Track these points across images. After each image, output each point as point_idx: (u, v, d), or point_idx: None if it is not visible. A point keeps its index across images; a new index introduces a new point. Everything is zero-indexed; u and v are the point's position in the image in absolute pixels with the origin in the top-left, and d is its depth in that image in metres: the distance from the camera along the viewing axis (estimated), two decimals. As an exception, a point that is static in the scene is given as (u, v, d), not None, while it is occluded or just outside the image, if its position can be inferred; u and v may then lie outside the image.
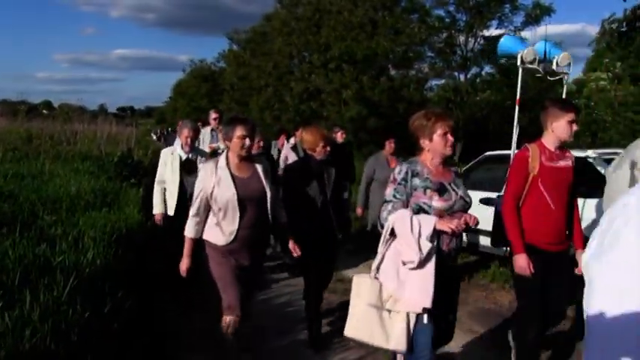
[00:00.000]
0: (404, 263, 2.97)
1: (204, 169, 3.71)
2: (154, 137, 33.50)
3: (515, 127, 6.65)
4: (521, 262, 3.60)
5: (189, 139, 5.48)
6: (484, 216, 7.12)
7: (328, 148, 4.59)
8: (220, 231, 3.62)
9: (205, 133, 7.93)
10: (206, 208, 3.66)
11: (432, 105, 21.73)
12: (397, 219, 3.01)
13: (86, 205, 6.43)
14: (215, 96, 37.91)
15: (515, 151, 5.32)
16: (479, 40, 18.93)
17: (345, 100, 19.33)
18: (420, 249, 2.89)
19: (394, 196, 3.11)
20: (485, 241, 7.19)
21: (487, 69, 19.72)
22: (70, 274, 3.55)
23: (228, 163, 3.66)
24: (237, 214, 3.58)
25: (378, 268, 3.08)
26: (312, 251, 4.32)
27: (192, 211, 3.69)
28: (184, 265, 3.72)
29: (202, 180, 3.66)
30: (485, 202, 7.28)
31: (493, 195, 7.20)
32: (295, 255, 4.02)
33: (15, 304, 3.05)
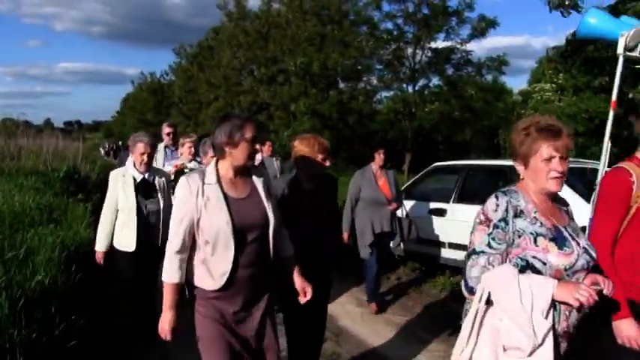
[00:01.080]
0: (505, 348, 2.03)
1: (185, 186, 2.73)
2: (102, 152, 32.84)
3: (606, 141, 4.69)
4: (631, 331, 2.50)
5: (145, 157, 4.63)
6: (437, 225, 7.30)
7: (328, 163, 3.75)
8: (207, 272, 2.74)
9: (158, 150, 6.85)
10: (191, 240, 2.75)
11: (381, 117, 22.04)
12: (497, 281, 2.06)
13: (32, 222, 6.25)
14: (163, 109, 37.54)
15: (605, 171, 4.12)
16: (426, 52, 19.31)
17: (294, 113, 19.39)
18: (534, 331, 1.97)
19: (489, 245, 2.15)
20: (446, 253, 7.32)
21: (435, 81, 20.12)
22: (15, 293, 3.45)
23: (219, 179, 2.78)
24: (232, 249, 2.70)
25: (469, 358, 2.08)
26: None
27: (172, 246, 2.72)
28: (167, 322, 2.75)
29: (184, 202, 2.72)
30: (435, 212, 7.44)
31: (443, 205, 7.37)
32: (304, 300, 3.07)
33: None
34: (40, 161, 13.34)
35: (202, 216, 2.69)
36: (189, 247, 2.75)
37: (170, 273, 2.73)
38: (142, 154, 4.63)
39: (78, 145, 17.78)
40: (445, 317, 5.97)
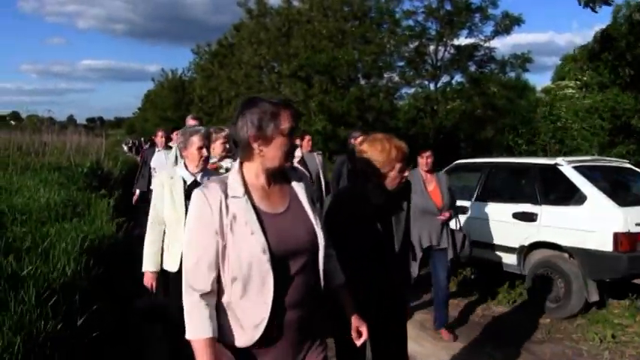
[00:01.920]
0: None
1: (202, 202, 2.00)
2: (126, 148, 33.15)
3: None
4: None
5: (203, 152, 3.80)
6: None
7: (407, 174, 2.99)
8: (236, 321, 2.01)
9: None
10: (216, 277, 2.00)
11: (403, 114, 21.92)
12: None
13: (56, 216, 6.32)
14: (184, 106, 37.76)
15: None
16: (449, 49, 19.15)
17: (313, 111, 19.37)
18: None
19: None
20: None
21: (457, 78, 19.94)
22: (41, 286, 3.48)
23: (247, 189, 2.05)
24: (271, 286, 1.95)
25: None
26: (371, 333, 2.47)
27: (195, 289, 1.97)
28: None
29: (203, 224, 1.99)
30: (457, 210, 7.37)
31: (465, 203, 7.31)
32: (360, 342, 2.38)
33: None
34: (63, 157, 13.52)
35: (228, 243, 1.96)
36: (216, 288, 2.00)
37: (198, 326, 1.94)
38: (200, 148, 3.77)
39: (101, 141, 18.00)
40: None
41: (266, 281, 1.93)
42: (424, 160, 5.78)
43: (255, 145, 2.01)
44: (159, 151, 8.24)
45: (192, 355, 1.94)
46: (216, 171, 4.31)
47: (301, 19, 21.17)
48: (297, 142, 5.65)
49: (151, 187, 7.25)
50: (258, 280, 1.93)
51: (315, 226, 2.09)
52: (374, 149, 2.85)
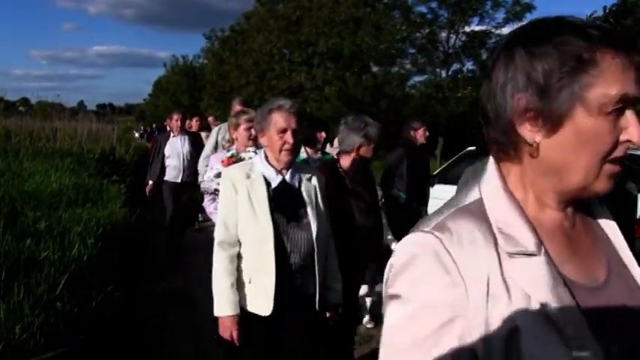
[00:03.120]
0: None
1: (435, 268, 0.84)
2: (137, 135, 33.26)
3: None
4: None
5: (289, 137, 2.58)
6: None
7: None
8: None
9: (222, 134, 5.73)
10: None
11: (414, 101, 21.89)
12: None
13: (68, 202, 6.37)
14: (196, 92, 37.81)
15: None
16: (460, 36, 19.07)
17: (326, 97, 19.36)
18: None
19: None
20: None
21: (469, 65, 19.87)
22: (57, 269, 3.53)
23: (539, 239, 0.88)
24: None
25: None
26: None
27: None
28: None
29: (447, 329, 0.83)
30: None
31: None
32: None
33: (3, 299, 3.03)
34: (74, 143, 13.58)
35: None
36: None
37: None
38: (284, 131, 2.57)
39: (112, 127, 18.06)
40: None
41: None
42: None
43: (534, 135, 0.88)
44: (174, 136, 7.13)
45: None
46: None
47: (312, 7, 21.10)
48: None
49: (166, 178, 7.12)
50: None
51: None
52: None
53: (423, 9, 19.20)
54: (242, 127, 3.88)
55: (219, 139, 5.72)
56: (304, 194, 2.66)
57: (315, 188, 2.73)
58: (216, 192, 3.58)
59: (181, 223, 7.49)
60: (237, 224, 2.58)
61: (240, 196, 2.56)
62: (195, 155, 6.90)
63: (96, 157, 11.32)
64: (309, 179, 2.73)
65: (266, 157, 2.65)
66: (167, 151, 7.13)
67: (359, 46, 18.58)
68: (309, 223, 2.60)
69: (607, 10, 9.65)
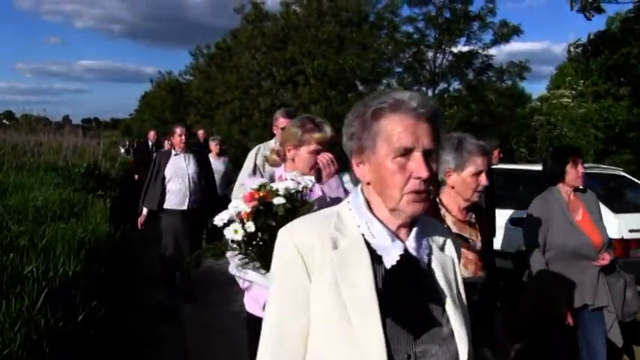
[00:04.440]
0: None
1: None
2: (122, 150, 33.08)
3: None
4: None
5: (424, 171, 1.26)
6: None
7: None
8: None
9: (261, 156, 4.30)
10: None
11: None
12: None
13: (53, 216, 6.31)
14: (181, 108, 37.69)
15: None
16: (447, 56, 19.23)
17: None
18: None
19: None
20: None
21: (455, 85, 20.03)
22: (41, 284, 3.48)
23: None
24: None
25: None
26: None
27: None
28: None
29: None
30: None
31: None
32: None
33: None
34: (60, 157, 13.47)
35: None
36: None
37: None
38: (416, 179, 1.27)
39: (98, 142, 17.97)
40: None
41: None
42: (575, 169, 3.82)
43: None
44: (177, 155, 6.05)
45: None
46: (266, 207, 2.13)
47: (300, 25, 21.21)
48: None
49: (166, 206, 5.90)
50: None
51: None
52: None
53: (409, 28, 19.40)
54: (309, 148, 2.61)
55: (259, 162, 4.51)
56: (440, 279, 1.37)
57: (454, 264, 1.44)
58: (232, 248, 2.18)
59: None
60: (308, 339, 1.29)
61: (319, 286, 1.27)
62: (203, 177, 6.10)
63: (81, 171, 11.25)
64: (442, 247, 1.44)
65: (368, 204, 1.36)
66: (168, 172, 5.94)
67: (342, 66, 18.68)
68: (451, 335, 1.32)
69: (590, 38, 9.82)
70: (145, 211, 6.08)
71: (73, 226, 5.77)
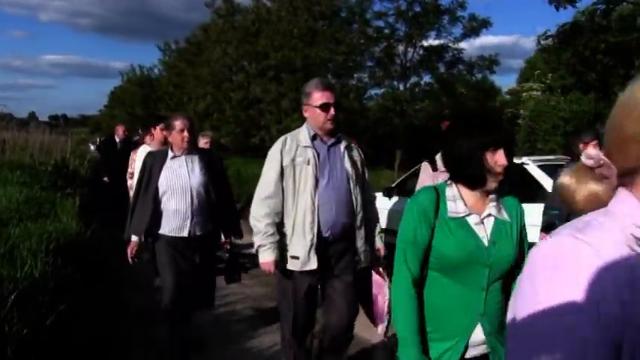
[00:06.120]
0: None
1: None
2: (92, 148, 32.62)
3: None
4: None
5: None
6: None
7: None
8: None
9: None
10: None
11: (372, 114, 22.09)
12: None
13: (19, 216, 6.14)
14: (152, 103, 37.28)
15: None
16: (418, 50, 19.38)
17: (285, 110, 19.37)
18: None
19: None
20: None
21: (426, 79, 20.19)
22: (7, 288, 3.36)
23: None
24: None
25: None
26: None
27: None
28: None
29: None
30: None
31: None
32: None
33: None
34: (25, 155, 13.17)
35: None
36: None
37: None
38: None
39: (66, 139, 17.62)
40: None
41: None
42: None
43: None
44: (175, 157, 4.26)
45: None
46: None
47: (271, 19, 21.12)
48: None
49: (162, 232, 4.17)
50: None
51: None
52: None
53: (380, 23, 19.48)
54: None
55: (288, 162, 3.54)
56: None
57: None
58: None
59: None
60: None
61: None
62: (213, 190, 4.30)
63: (48, 169, 10.99)
64: None
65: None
66: (163, 183, 4.16)
67: (312, 59, 18.68)
68: None
69: (559, 30, 9.98)
70: (134, 238, 4.30)
71: (41, 226, 5.63)
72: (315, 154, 3.46)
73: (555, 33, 10.21)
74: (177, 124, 4.19)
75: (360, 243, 3.52)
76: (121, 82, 46.88)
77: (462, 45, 18.91)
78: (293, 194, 3.39)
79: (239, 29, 22.09)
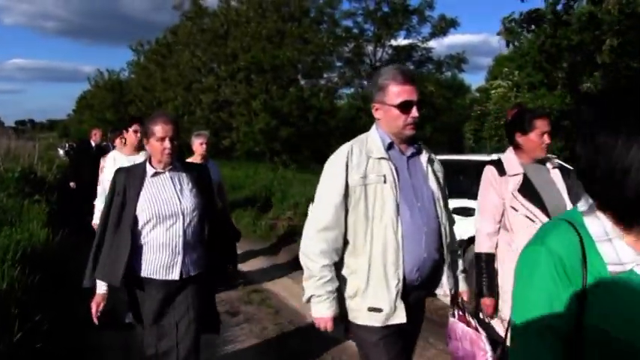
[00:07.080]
0: None
1: None
2: (61, 152, 32.07)
3: None
4: None
5: None
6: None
7: None
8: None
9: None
10: None
11: (343, 113, 22.20)
12: None
13: (-16, 225, 6.04)
14: (122, 107, 36.92)
15: None
16: (387, 49, 19.54)
17: (255, 111, 19.38)
18: None
19: None
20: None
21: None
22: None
23: None
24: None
25: None
26: None
27: None
28: None
29: None
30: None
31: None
32: None
33: None
34: (-10, 161, 12.93)
35: None
36: None
37: None
38: None
39: (33, 144, 17.34)
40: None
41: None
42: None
43: None
44: (157, 175, 3.08)
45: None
46: None
47: (240, 20, 21.09)
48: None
49: (145, 274, 3.00)
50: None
51: None
52: None
53: (349, 23, 19.60)
54: None
55: (355, 182, 2.67)
56: None
57: None
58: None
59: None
60: None
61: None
62: (208, 214, 3.22)
63: (15, 176, 10.80)
64: None
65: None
66: (144, 208, 3.02)
67: (280, 59, 18.74)
68: None
69: (522, 16, 10.24)
70: (102, 287, 3.09)
71: (7, 234, 5.54)
72: (394, 169, 2.50)
73: (519, 17, 10.44)
74: (157, 130, 3.02)
75: (447, 285, 2.61)
76: (89, 86, 46.35)
77: (432, 44, 19.15)
78: (365, 223, 2.47)
79: (208, 32, 22.03)
